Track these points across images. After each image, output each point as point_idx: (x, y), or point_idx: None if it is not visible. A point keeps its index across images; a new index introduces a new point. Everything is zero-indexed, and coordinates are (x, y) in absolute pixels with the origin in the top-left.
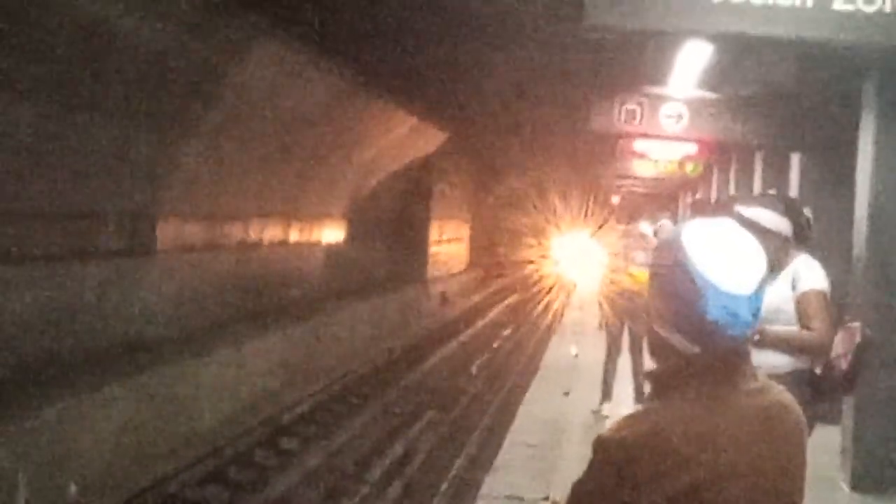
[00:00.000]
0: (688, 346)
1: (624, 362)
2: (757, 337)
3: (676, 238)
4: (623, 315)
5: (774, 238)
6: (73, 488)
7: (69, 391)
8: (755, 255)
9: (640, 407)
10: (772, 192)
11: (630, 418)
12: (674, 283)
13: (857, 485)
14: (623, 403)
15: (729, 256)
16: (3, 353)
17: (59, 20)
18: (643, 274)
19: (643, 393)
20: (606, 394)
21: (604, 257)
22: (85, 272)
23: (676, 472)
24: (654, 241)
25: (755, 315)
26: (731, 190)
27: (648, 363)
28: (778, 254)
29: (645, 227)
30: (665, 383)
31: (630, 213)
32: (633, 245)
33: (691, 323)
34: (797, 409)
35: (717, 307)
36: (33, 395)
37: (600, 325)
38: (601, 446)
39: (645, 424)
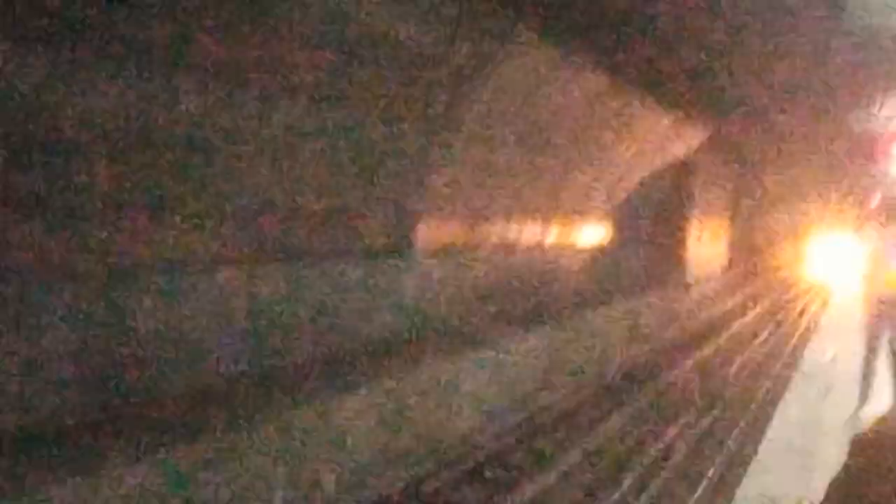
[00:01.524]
0: None
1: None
2: None
3: None
4: (882, 318)
5: None
6: (329, 482)
7: (332, 389)
8: None
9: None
10: None
11: (886, 418)
12: None
13: None
14: (882, 405)
15: None
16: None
17: (321, 24)
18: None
19: None
20: (864, 396)
21: (861, 261)
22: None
23: None
24: None
25: None
26: None
27: None
28: None
29: None
30: None
31: (889, 216)
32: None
33: None
34: None
35: None
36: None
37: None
38: (859, 446)
39: None
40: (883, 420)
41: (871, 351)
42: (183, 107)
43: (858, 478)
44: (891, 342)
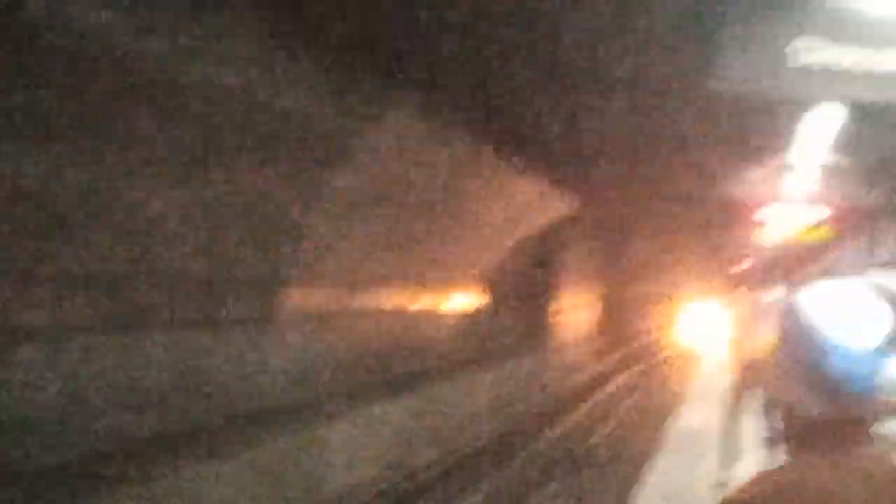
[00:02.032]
0: (810, 406)
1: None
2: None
3: (796, 299)
4: (748, 384)
5: None
6: None
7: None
8: (878, 313)
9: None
10: None
11: (755, 479)
12: (793, 341)
13: None
14: (748, 472)
15: (849, 313)
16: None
17: (189, 88)
18: (762, 342)
19: (768, 460)
20: (727, 462)
21: (728, 326)
22: (214, 340)
23: None
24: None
25: (878, 373)
26: (863, 256)
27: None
28: None
29: (772, 294)
30: (790, 447)
31: (757, 282)
32: (753, 313)
33: (812, 382)
34: None
35: (838, 364)
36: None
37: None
38: None
39: (770, 485)
40: (754, 482)
41: (734, 416)
42: (33, 171)
43: None
44: (764, 407)
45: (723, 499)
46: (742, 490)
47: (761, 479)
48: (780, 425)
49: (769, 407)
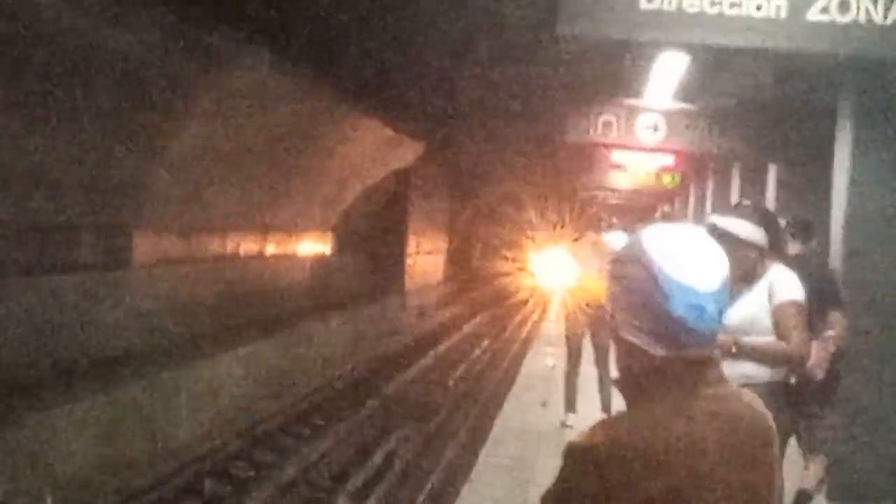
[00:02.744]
0: (655, 347)
1: (589, 373)
2: (734, 349)
3: (636, 241)
4: (587, 326)
5: (750, 249)
6: (47, 497)
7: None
8: (717, 255)
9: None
10: (746, 202)
11: (599, 425)
12: (637, 284)
13: (836, 496)
14: (590, 414)
15: (690, 255)
16: None
17: (30, 33)
18: (600, 284)
19: (610, 404)
20: (570, 404)
21: (577, 271)
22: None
23: (648, 477)
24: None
25: (720, 313)
26: (709, 202)
27: (615, 372)
28: (753, 265)
29: (615, 238)
30: (633, 389)
31: (606, 226)
32: (594, 256)
33: (657, 323)
34: (767, 414)
35: (681, 304)
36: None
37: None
38: (571, 454)
39: (614, 430)
40: (598, 428)
41: (574, 358)
42: None
43: (571, 487)
44: (596, 351)
45: (568, 443)
46: (586, 436)
47: (606, 424)
48: (624, 368)
49: (612, 350)
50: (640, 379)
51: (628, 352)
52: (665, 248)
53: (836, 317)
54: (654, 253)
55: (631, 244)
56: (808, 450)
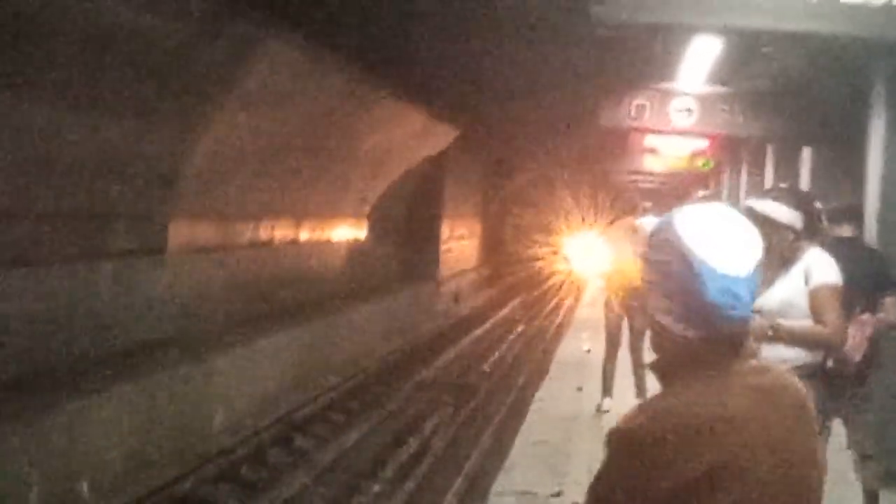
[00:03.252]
0: (690, 331)
1: (625, 358)
2: (770, 332)
3: (670, 224)
4: (622, 310)
5: (786, 231)
6: (84, 488)
7: (85, 392)
8: (750, 237)
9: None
10: (783, 185)
11: (639, 408)
12: (671, 269)
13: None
14: (625, 398)
15: (723, 239)
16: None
17: (66, 20)
18: (636, 268)
19: (645, 388)
20: (607, 389)
21: (612, 256)
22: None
23: (692, 455)
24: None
25: (752, 296)
26: (742, 185)
27: (650, 356)
28: (791, 248)
29: (649, 221)
30: (670, 372)
31: (640, 210)
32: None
33: (691, 308)
34: (801, 387)
35: (715, 289)
36: (46, 396)
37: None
38: (614, 439)
39: (654, 412)
40: (638, 411)
41: (613, 342)
42: None
43: (618, 471)
44: (632, 334)
45: (609, 430)
46: (625, 420)
47: (644, 407)
48: (659, 350)
49: (645, 333)
50: (674, 360)
51: (662, 334)
52: (698, 231)
53: (892, 301)
54: (688, 237)
55: (664, 227)
56: (854, 441)
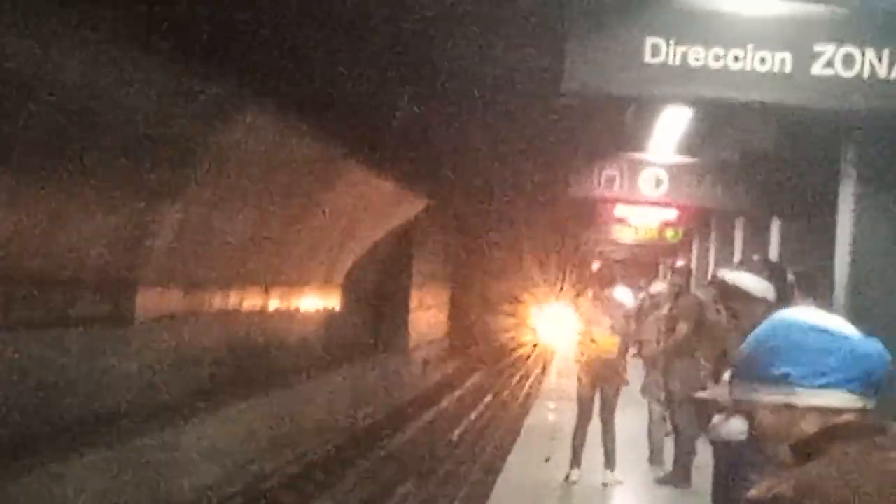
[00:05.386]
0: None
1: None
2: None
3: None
4: (596, 380)
5: (759, 303)
6: None
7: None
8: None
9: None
10: (756, 257)
11: (779, 480)
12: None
13: None
14: (593, 470)
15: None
16: None
17: (43, 88)
18: (610, 340)
19: (613, 459)
20: (576, 460)
21: (578, 326)
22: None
23: None
24: (628, 308)
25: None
26: (712, 256)
27: (619, 427)
28: (763, 319)
29: (621, 292)
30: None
31: (607, 280)
32: (602, 311)
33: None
34: None
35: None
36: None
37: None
38: None
39: (795, 483)
40: (777, 482)
41: (585, 413)
42: None
43: None
44: (603, 403)
45: (746, 497)
46: (767, 488)
47: (784, 478)
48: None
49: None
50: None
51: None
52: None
53: None
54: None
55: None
56: None
